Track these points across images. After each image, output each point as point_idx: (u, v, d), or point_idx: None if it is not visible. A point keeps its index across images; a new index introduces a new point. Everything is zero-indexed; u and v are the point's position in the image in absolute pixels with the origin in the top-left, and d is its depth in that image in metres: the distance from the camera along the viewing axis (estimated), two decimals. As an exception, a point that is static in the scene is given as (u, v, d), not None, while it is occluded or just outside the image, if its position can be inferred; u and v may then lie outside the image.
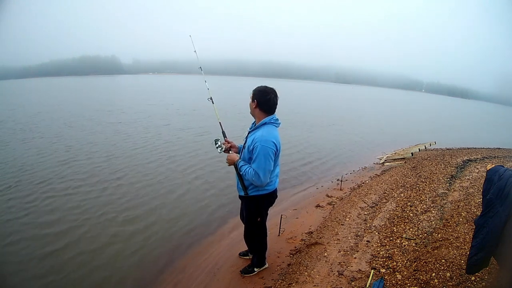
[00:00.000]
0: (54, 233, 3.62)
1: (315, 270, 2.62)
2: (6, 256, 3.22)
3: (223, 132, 2.56)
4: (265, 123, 2.18)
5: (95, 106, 15.94)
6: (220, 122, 2.56)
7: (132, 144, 7.94)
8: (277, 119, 2.24)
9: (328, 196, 4.89)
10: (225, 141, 2.45)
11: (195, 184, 5.30)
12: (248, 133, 2.29)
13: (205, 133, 9.57)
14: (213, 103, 2.66)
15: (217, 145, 2.36)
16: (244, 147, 2.30)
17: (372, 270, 2.44)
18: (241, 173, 2.22)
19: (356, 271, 2.52)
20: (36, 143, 7.86)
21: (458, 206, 3.60)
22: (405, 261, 2.53)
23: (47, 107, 15.19)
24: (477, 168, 5.54)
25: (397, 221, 3.40)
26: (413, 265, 2.42)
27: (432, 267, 2.34)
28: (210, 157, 6.79)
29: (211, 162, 6.44)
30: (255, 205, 2.40)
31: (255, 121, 2.30)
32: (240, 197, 2.47)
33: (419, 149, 8.46)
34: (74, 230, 3.68)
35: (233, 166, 2.33)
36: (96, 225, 3.83)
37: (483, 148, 9.33)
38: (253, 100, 2.19)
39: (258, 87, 2.20)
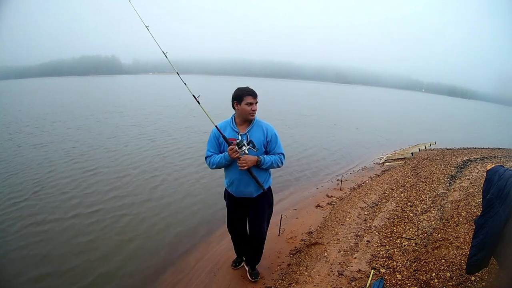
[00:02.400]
0: (88, 260, 3.10)
1: (315, 270, 2.62)
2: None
3: (224, 138, 2.16)
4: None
5: (105, 107, 15.33)
6: (216, 126, 2.18)
7: (159, 149, 7.45)
8: None
9: (328, 196, 4.89)
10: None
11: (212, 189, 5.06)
12: (247, 132, 2.19)
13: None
14: (199, 103, 2.24)
15: (242, 149, 2.06)
16: (250, 145, 2.12)
17: (372, 270, 2.44)
18: (267, 165, 2.17)
19: (356, 271, 2.52)
20: (53, 148, 7.33)
21: (458, 206, 3.60)
22: (405, 261, 2.53)
23: (53, 108, 14.78)
24: (477, 168, 5.54)
25: (397, 221, 3.40)
26: (413, 265, 2.42)
27: (432, 267, 2.34)
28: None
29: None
30: (271, 194, 2.47)
31: (241, 121, 2.22)
32: (256, 197, 2.28)
33: (419, 149, 8.45)
34: (105, 261, 3.13)
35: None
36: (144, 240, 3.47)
37: (483, 148, 9.33)
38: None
39: (252, 90, 2.18)
